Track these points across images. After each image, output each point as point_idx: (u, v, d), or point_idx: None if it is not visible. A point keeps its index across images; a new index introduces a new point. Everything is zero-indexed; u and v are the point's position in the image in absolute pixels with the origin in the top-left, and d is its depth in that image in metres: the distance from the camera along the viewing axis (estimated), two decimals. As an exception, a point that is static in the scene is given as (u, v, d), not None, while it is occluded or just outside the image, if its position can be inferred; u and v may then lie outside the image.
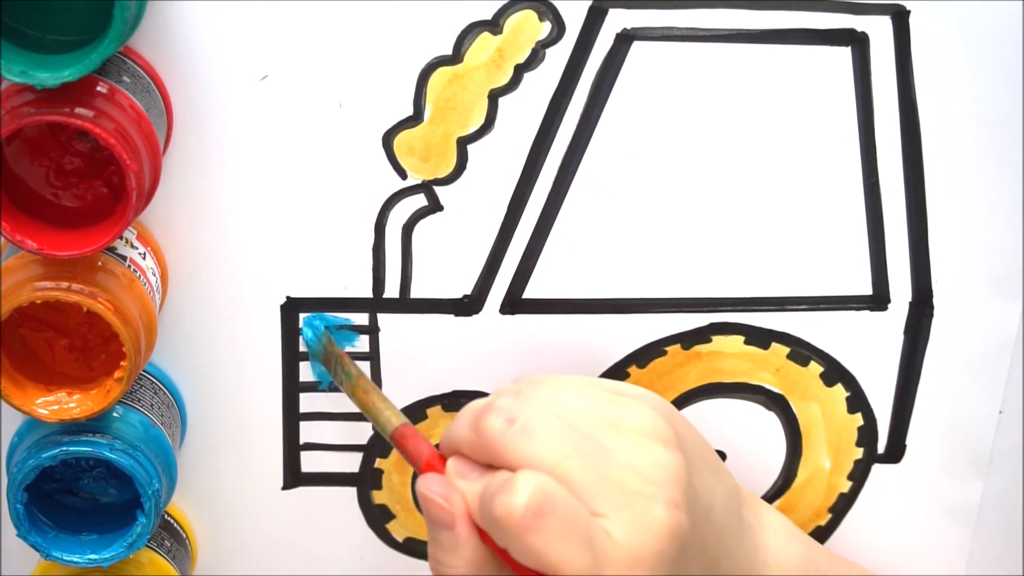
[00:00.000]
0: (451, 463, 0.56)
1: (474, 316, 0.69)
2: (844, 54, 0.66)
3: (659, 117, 0.66)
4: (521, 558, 0.53)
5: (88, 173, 0.63)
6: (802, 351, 0.71)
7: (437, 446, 0.59)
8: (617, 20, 0.64)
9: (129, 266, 0.63)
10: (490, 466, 0.55)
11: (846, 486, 0.75)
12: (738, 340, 0.71)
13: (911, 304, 0.71)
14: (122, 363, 0.61)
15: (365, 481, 0.72)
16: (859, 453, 0.74)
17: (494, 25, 0.64)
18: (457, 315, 0.69)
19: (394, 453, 0.72)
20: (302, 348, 0.69)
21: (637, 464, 0.54)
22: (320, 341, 0.67)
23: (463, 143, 0.66)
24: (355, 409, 0.71)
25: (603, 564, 0.52)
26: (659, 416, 0.57)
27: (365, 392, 0.63)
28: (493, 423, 0.54)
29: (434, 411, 0.71)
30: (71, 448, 0.62)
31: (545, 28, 0.64)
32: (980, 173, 0.69)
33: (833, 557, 0.70)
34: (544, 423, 0.54)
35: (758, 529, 0.64)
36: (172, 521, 0.71)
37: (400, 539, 0.74)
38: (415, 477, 0.73)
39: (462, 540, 0.55)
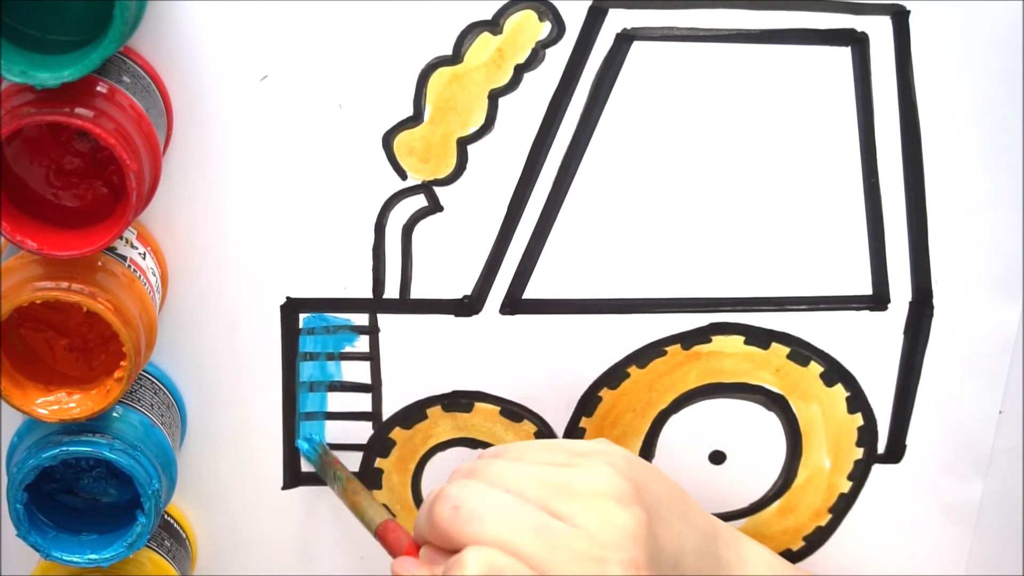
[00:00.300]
0: (423, 551, 0.58)
1: (474, 316, 0.69)
2: (844, 54, 0.66)
3: (659, 117, 0.66)
4: None
5: (88, 173, 0.63)
6: (802, 351, 0.71)
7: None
8: (617, 20, 0.64)
9: (129, 266, 0.63)
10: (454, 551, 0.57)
11: (846, 486, 0.75)
12: (738, 340, 0.71)
13: (911, 304, 0.71)
14: (122, 363, 0.61)
15: (365, 481, 0.72)
16: (859, 453, 0.74)
17: (494, 25, 0.64)
18: (457, 315, 0.69)
19: (394, 453, 0.72)
20: (304, 348, 0.69)
21: (590, 528, 0.55)
22: (316, 452, 0.71)
23: (463, 143, 0.66)
24: (355, 409, 0.71)
25: None
26: (615, 472, 0.57)
27: (354, 493, 0.66)
28: (441, 512, 0.56)
29: (434, 411, 0.71)
30: (71, 448, 0.62)
31: (545, 28, 0.64)
32: (980, 173, 0.69)
33: None
34: (490, 505, 0.55)
35: (737, 566, 0.65)
36: (172, 521, 0.71)
37: (400, 539, 0.74)
38: (415, 477, 0.73)
39: None
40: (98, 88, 0.58)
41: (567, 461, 0.58)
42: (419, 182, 0.66)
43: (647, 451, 0.73)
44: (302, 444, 0.71)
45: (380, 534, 0.62)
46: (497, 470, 0.58)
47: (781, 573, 0.67)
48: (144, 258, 0.64)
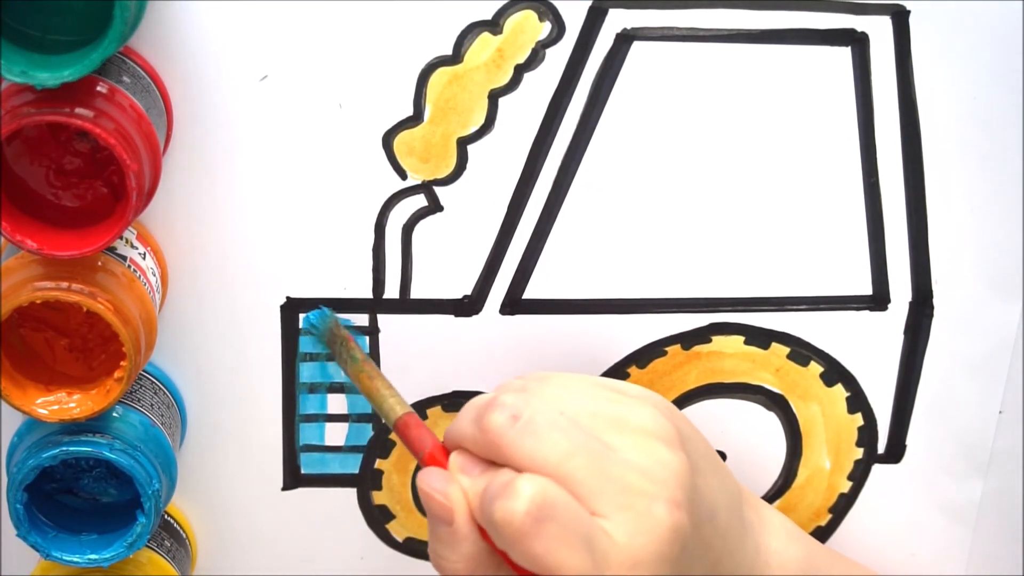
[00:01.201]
0: (454, 458, 0.56)
1: (474, 316, 0.69)
2: (844, 54, 0.66)
3: (659, 117, 0.66)
4: (520, 562, 0.53)
5: (88, 173, 0.63)
6: (802, 351, 0.71)
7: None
8: (617, 20, 0.64)
9: (129, 266, 0.63)
10: (493, 463, 0.55)
11: (846, 486, 0.75)
12: (738, 340, 0.71)
13: (911, 304, 0.71)
14: (122, 363, 0.61)
15: (365, 482, 0.72)
16: (859, 453, 0.74)
17: (494, 25, 0.64)
18: (457, 316, 0.69)
19: (394, 453, 0.72)
20: (304, 348, 0.69)
21: (640, 463, 0.54)
22: (325, 322, 0.66)
23: (463, 143, 0.66)
24: (355, 410, 0.71)
25: (603, 566, 0.52)
26: (662, 416, 0.56)
27: (370, 378, 0.61)
28: (497, 420, 0.54)
29: (434, 411, 0.71)
30: (71, 448, 0.62)
31: (545, 28, 0.64)
32: (980, 173, 0.69)
33: (834, 556, 0.70)
34: (548, 421, 0.54)
35: (760, 529, 0.64)
36: (172, 521, 0.71)
37: (400, 539, 0.74)
38: (415, 477, 0.73)
39: (461, 536, 0.54)
40: (98, 88, 0.58)
41: (614, 397, 0.57)
42: (419, 182, 0.66)
43: (647, 451, 0.73)
44: (310, 314, 0.67)
45: (400, 428, 0.58)
46: (551, 392, 0.56)
47: (800, 541, 0.67)
48: (144, 258, 0.64)
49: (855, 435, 0.74)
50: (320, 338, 0.66)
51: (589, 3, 0.64)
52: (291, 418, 0.71)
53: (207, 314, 0.68)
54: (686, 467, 0.55)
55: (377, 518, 0.73)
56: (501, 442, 0.54)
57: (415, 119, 0.65)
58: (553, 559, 0.52)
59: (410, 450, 0.58)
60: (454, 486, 0.55)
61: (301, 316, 0.68)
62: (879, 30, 0.66)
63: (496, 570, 0.55)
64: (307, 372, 0.70)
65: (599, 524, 0.53)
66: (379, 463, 0.72)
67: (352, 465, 0.72)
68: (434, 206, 0.67)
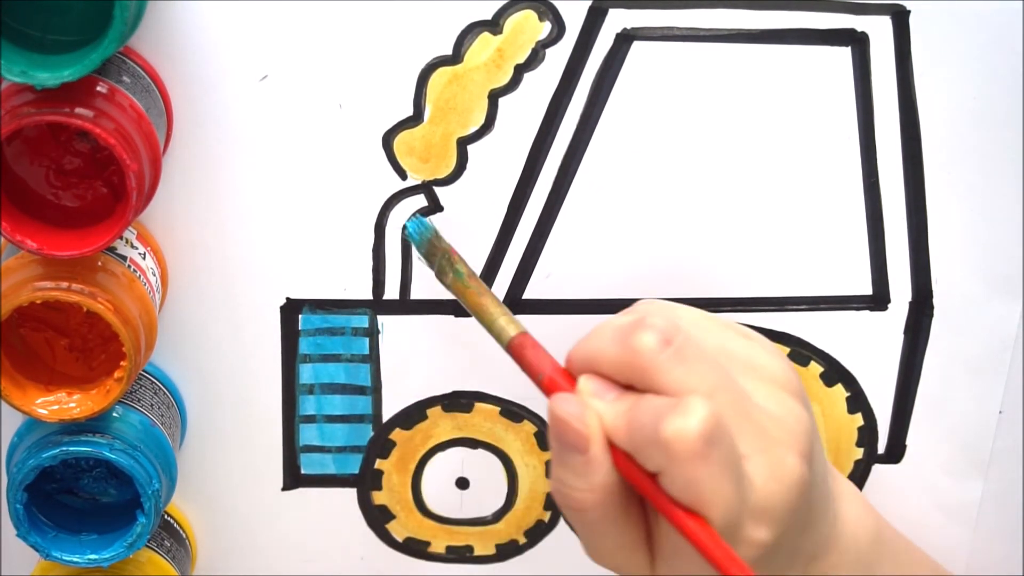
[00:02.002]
0: (584, 381, 0.52)
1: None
2: (844, 54, 0.66)
3: (659, 117, 0.66)
4: (675, 487, 0.49)
5: (88, 173, 0.63)
6: (802, 351, 0.71)
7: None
8: (617, 20, 0.64)
9: (129, 266, 0.63)
10: (628, 388, 0.51)
11: (846, 486, 0.75)
12: (738, 340, 0.71)
13: (911, 304, 0.71)
14: (122, 363, 0.61)
15: (365, 482, 0.72)
16: (859, 453, 0.74)
17: (494, 25, 0.64)
18: (457, 316, 0.69)
19: (394, 454, 0.72)
20: (303, 349, 0.69)
21: (773, 411, 0.52)
22: (425, 233, 0.60)
23: (463, 143, 0.66)
24: (355, 411, 0.71)
25: (742, 508, 0.49)
26: (791, 368, 0.54)
27: (478, 295, 0.56)
28: (648, 341, 0.50)
29: (434, 411, 0.71)
30: (71, 448, 0.62)
31: (545, 28, 0.64)
32: (980, 173, 0.69)
33: (897, 532, 0.68)
34: (697, 350, 0.50)
35: (838, 497, 0.61)
36: (172, 521, 0.71)
37: (400, 539, 0.74)
38: (415, 477, 0.73)
39: (596, 464, 0.50)
40: (98, 88, 0.58)
41: (742, 340, 0.54)
42: (419, 182, 0.66)
43: (647, 451, 0.73)
44: (411, 224, 0.61)
45: (515, 349, 0.54)
46: (688, 323, 0.52)
47: (872, 513, 0.64)
48: (144, 258, 0.64)
49: (855, 435, 0.74)
50: (419, 249, 0.61)
51: (589, 3, 0.64)
52: (291, 418, 0.71)
53: (207, 314, 0.68)
54: (812, 424, 0.53)
55: (377, 518, 0.73)
56: (651, 366, 0.50)
57: (415, 119, 0.65)
58: (711, 486, 0.48)
59: (526, 372, 0.54)
60: (589, 410, 0.51)
61: (404, 224, 0.62)
62: (879, 30, 0.66)
63: (625, 503, 0.51)
64: (307, 373, 0.70)
65: (743, 463, 0.50)
66: (379, 463, 0.72)
67: (352, 465, 0.72)
68: (434, 206, 0.67)
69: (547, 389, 0.53)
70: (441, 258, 0.59)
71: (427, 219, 0.63)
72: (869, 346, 0.72)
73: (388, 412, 0.71)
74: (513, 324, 0.55)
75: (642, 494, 0.51)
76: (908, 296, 0.71)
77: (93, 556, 0.64)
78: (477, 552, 0.75)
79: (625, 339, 0.51)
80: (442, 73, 0.64)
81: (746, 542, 0.51)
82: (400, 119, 0.65)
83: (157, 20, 0.61)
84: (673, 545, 0.51)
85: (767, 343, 0.56)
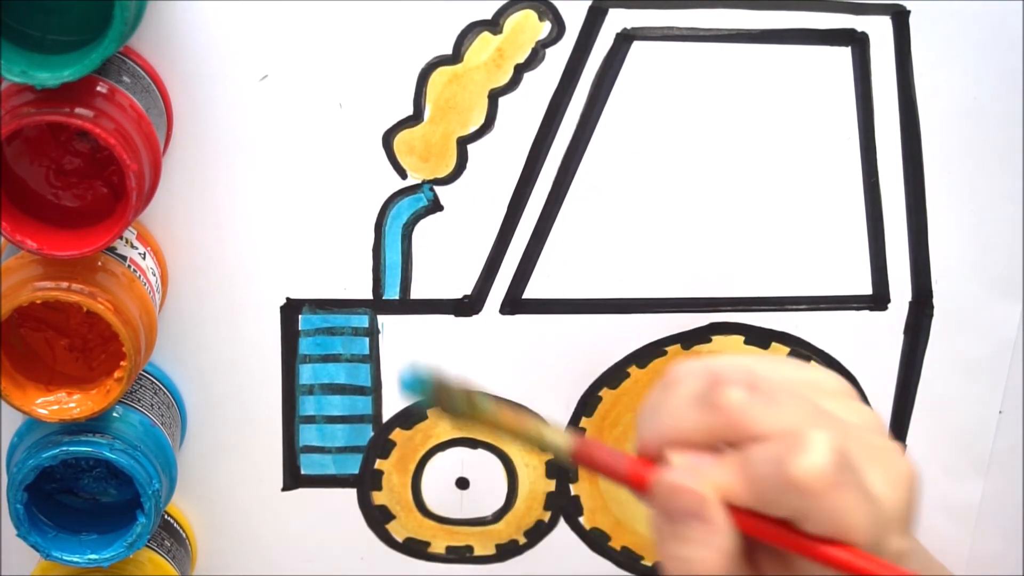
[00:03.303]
0: (676, 456, 0.50)
1: (474, 316, 0.69)
2: (844, 54, 0.66)
3: (659, 117, 0.66)
4: (815, 524, 0.48)
5: (88, 173, 0.63)
6: (802, 351, 0.71)
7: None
8: (617, 20, 0.64)
9: (129, 266, 0.63)
10: (715, 450, 0.50)
11: (846, 486, 0.75)
12: (738, 340, 0.71)
13: (911, 304, 0.71)
14: (122, 363, 0.61)
15: (365, 482, 0.72)
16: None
17: (494, 25, 0.64)
18: (457, 316, 0.69)
19: (394, 454, 0.72)
20: (303, 350, 0.69)
21: (856, 421, 0.50)
22: (429, 383, 0.50)
23: (463, 143, 0.66)
24: (355, 411, 0.71)
25: (880, 523, 0.48)
26: (842, 378, 0.53)
27: (516, 419, 0.51)
28: (736, 396, 0.49)
29: (433, 412, 0.71)
30: (71, 448, 0.62)
31: (545, 28, 0.64)
32: (980, 173, 0.69)
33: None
34: (778, 389, 0.49)
35: None
36: (172, 521, 0.71)
37: (400, 539, 0.74)
38: (415, 477, 0.73)
39: (718, 526, 0.49)
40: (98, 88, 0.58)
41: (790, 364, 0.52)
42: (419, 181, 0.66)
43: (647, 451, 0.73)
44: (406, 374, 0.50)
45: (582, 455, 0.50)
46: (745, 366, 0.51)
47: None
48: (144, 258, 0.64)
49: (855, 435, 0.74)
50: (424, 396, 0.51)
51: (589, 3, 0.64)
52: (291, 419, 0.71)
53: (207, 314, 0.68)
54: (882, 420, 0.52)
55: (377, 518, 0.73)
56: (743, 417, 0.49)
57: (415, 119, 0.65)
58: (852, 510, 0.47)
59: (602, 473, 0.51)
60: (698, 476, 0.49)
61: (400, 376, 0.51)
62: (879, 30, 0.66)
63: (748, 564, 0.50)
64: (307, 373, 0.70)
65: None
66: (379, 463, 0.72)
67: (352, 466, 0.72)
68: (434, 206, 0.67)
69: (635, 479, 0.50)
70: (456, 398, 0.51)
71: (421, 368, 0.51)
72: (869, 346, 0.72)
73: (388, 412, 0.71)
74: (560, 432, 0.51)
75: (776, 544, 0.49)
76: (908, 296, 0.71)
77: (93, 556, 0.64)
78: (477, 552, 0.75)
79: (707, 402, 0.49)
80: (442, 73, 0.64)
81: (892, 556, 0.49)
82: (400, 118, 0.65)
83: (157, 20, 0.61)
84: None
85: (810, 363, 0.55)
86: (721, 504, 0.49)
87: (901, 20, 0.65)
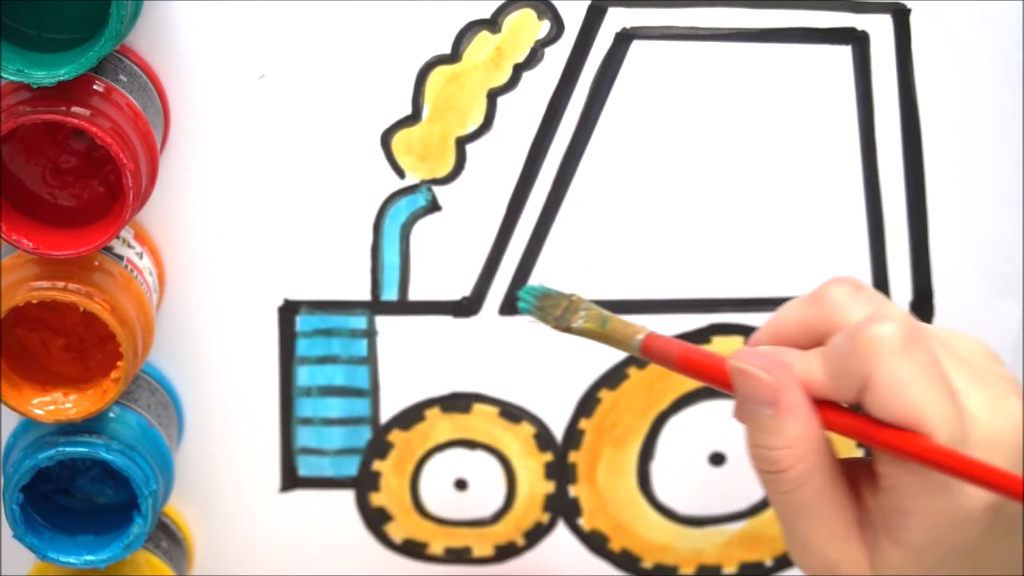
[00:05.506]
0: (765, 346, 0.49)
1: (473, 317, 0.69)
2: (844, 53, 0.66)
3: (659, 117, 0.66)
4: (883, 400, 0.45)
5: (85, 172, 0.62)
6: (802, 352, 0.71)
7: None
8: (616, 19, 0.64)
9: (126, 266, 0.63)
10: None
11: (846, 488, 0.75)
12: (738, 341, 0.71)
13: (911, 304, 0.71)
14: (119, 363, 0.60)
15: (363, 483, 0.72)
16: (860, 453, 0.74)
17: (493, 24, 0.64)
18: (456, 316, 0.69)
19: (392, 455, 0.72)
20: (301, 351, 0.69)
21: (987, 366, 0.49)
22: (541, 300, 0.54)
23: (462, 142, 0.66)
24: (353, 412, 0.71)
25: (964, 435, 0.46)
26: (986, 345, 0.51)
27: (615, 321, 0.52)
28: (839, 290, 0.48)
29: (432, 412, 0.71)
30: (67, 449, 0.62)
31: (544, 27, 0.64)
32: (980, 173, 0.69)
33: None
34: (885, 301, 0.48)
35: None
36: (169, 522, 0.71)
37: (398, 541, 0.74)
38: (414, 478, 0.73)
39: (791, 412, 0.47)
40: (94, 87, 0.58)
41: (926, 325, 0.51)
42: (417, 181, 0.66)
43: (647, 452, 0.73)
44: (523, 304, 0.54)
45: (649, 348, 0.50)
46: (885, 300, 0.49)
47: None
48: (141, 258, 0.64)
49: (855, 436, 0.74)
50: (534, 315, 0.55)
51: (588, 2, 0.64)
52: (288, 420, 0.70)
53: (205, 314, 0.68)
54: (1016, 379, 0.49)
55: (375, 520, 0.73)
56: (842, 307, 0.48)
57: (413, 118, 0.65)
58: (921, 389, 0.45)
59: (680, 367, 0.50)
60: (774, 359, 0.48)
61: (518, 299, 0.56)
62: (880, 29, 0.65)
63: (832, 476, 0.49)
64: (304, 375, 0.70)
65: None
66: (377, 464, 0.72)
67: (350, 467, 0.72)
68: (432, 206, 0.67)
69: (713, 369, 0.49)
70: (565, 307, 0.54)
71: (534, 289, 0.55)
72: (869, 347, 0.72)
73: (386, 414, 0.71)
74: (636, 327, 0.51)
75: (850, 436, 0.48)
76: (908, 296, 0.71)
77: (90, 557, 0.64)
78: (476, 554, 0.75)
79: (813, 298, 0.48)
80: (440, 72, 0.64)
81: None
82: (398, 118, 0.65)
83: (154, 18, 0.61)
84: (898, 515, 0.47)
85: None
86: (795, 389, 0.47)
87: (902, 19, 0.65)
